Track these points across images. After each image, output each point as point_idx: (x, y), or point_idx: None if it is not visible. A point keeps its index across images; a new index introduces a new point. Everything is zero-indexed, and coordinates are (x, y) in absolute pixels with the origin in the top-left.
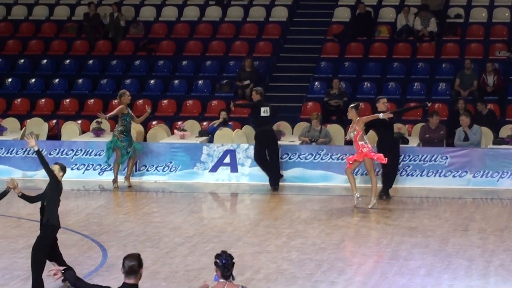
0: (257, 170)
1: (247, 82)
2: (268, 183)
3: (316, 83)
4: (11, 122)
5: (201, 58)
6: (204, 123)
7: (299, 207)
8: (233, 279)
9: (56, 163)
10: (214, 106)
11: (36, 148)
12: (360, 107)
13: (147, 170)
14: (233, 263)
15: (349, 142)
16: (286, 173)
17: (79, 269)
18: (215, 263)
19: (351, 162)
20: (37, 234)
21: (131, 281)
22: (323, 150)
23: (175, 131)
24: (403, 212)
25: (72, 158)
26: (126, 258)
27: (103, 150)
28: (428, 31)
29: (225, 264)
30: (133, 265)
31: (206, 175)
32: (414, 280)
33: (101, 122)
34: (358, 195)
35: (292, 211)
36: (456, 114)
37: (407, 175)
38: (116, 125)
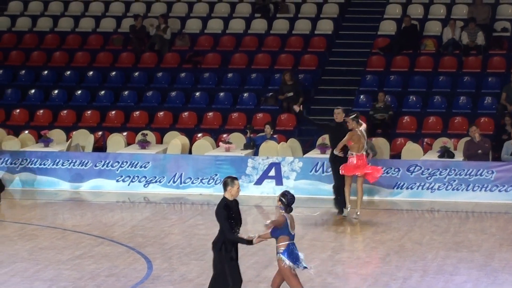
0: (303, 183)
1: (291, 94)
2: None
3: (362, 97)
4: (57, 134)
5: (247, 70)
6: (248, 135)
7: (344, 221)
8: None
9: None
10: (259, 119)
11: None
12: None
13: (192, 183)
14: (294, 201)
15: (395, 156)
16: (331, 187)
17: (124, 281)
18: (280, 200)
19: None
20: (83, 246)
21: None
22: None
23: (220, 143)
24: (448, 227)
25: (117, 170)
26: None
27: (148, 162)
28: (475, 45)
29: (289, 202)
30: None
31: (251, 188)
32: None
33: (147, 134)
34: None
35: (338, 225)
36: (502, 128)
37: (453, 189)
38: None
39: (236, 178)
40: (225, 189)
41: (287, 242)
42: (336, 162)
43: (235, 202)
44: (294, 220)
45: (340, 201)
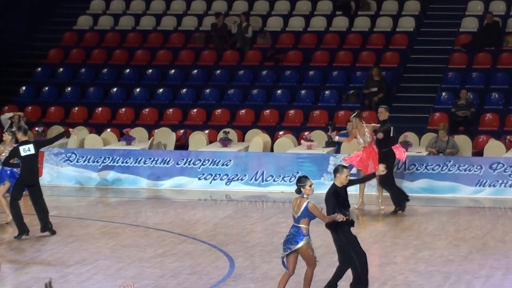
0: None
1: (375, 89)
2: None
3: (444, 94)
4: (139, 132)
5: (328, 68)
6: (329, 133)
7: (426, 218)
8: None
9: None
10: (341, 117)
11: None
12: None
13: (274, 180)
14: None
15: (477, 153)
16: (413, 184)
17: (206, 279)
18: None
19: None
20: (165, 243)
21: None
22: (450, 161)
23: (302, 141)
24: None
25: (199, 168)
26: None
27: (230, 160)
28: None
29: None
30: None
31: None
32: None
33: (228, 132)
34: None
35: (419, 223)
36: None
37: None
38: None
39: (346, 167)
40: (334, 175)
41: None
42: (386, 160)
43: (344, 189)
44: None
45: (397, 197)
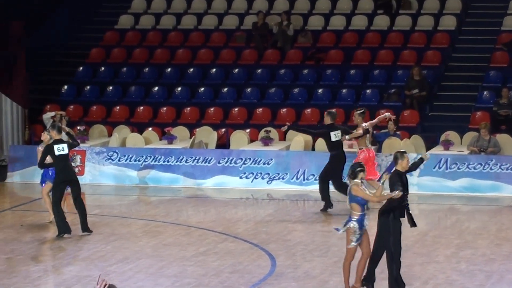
0: (426, 180)
1: (416, 91)
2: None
3: (485, 93)
4: (180, 131)
5: (369, 67)
6: (373, 132)
7: (468, 217)
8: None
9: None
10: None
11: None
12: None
13: (315, 179)
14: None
15: None
16: (455, 183)
17: (248, 277)
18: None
19: None
20: (207, 242)
21: None
22: (492, 160)
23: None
24: None
25: (240, 167)
26: None
27: (271, 159)
28: None
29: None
30: None
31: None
32: None
33: (270, 131)
34: None
35: (461, 221)
36: None
37: None
38: None
39: (405, 152)
40: (396, 163)
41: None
42: (337, 160)
43: (405, 174)
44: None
45: (324, 195)
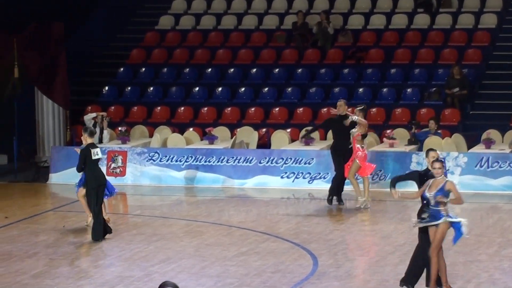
0: (468, 179)
1: (457, 89)
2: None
3: None
4: (221, 131)
5: (410, 66)
6: (413, 131)
7: (510, 216)
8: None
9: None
10: (423, 114)
11: None
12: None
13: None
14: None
15: None
16: (497, 182)
17: (290, 277)
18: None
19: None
20: (249, 242)
21: None
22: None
23: (384, 139)
24: None
25: (281, 167)
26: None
27: (312, 159)
28: None
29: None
30: None
31: (414, 184)
32: None
33: (307, 130)
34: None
35: (504, 220)
36: None
37: None
38: None
39: (432, 149)
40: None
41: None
42: (339, 153)
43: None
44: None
45: (335, 190)
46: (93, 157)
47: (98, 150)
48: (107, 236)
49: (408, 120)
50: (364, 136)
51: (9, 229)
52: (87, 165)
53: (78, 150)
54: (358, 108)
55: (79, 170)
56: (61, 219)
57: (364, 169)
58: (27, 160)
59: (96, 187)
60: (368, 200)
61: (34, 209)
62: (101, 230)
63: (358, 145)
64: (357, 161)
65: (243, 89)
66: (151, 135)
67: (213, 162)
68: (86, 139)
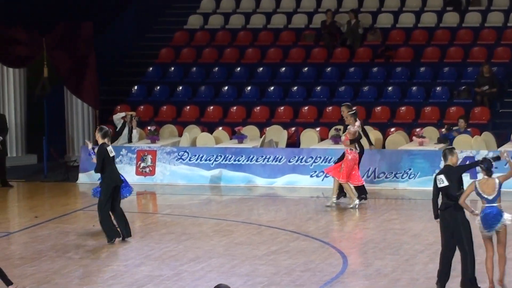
0: None
1: (486, 87)
2: None
3: None
4: (251, 130)
5: (439, 64)
6: (443, 130)
7: None
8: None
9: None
10: (452, 113)
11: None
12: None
13: (386, 177)
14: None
15: None
16: None
17: (320, 276)
18: (480, 167)
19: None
20: (278, 241)
21: None
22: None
23: (414, 138)
24: None
25: (311, 166)
26: None
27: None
28: None
29: (487, 167)
30: None
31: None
32: None
33: (340, 129)
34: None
35: None
36: None
37: None
38: None
39: (453, 148)
40: (445, 160)
41: (482, 205)
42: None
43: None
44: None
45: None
46: (110, 155)
47: (111, 148)
48: (133, 236)
49: (437, 119)
50: (353, 140)
51: (39, 229)
52: (105, 164)
53: (89, 144)
54: (350, 113)
55: (98, 171)
56: (90, 219)
57: (345, 175)
58: (57, 159)
59: (112, 187)
60: (333, 200)
61: (64, 209)
62: (112, 229)
63: (347, 148)
64: (343, 165)
65: (272, 88)
66: (180, 134)
67: (242, 161)
68: (99, 139)
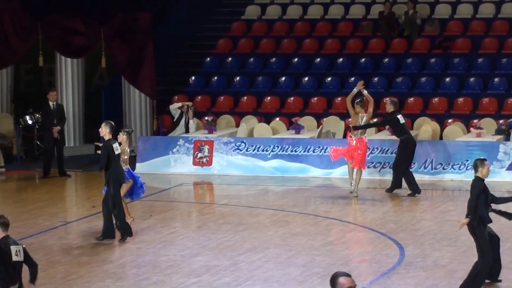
0: None
1: None
2: None
3: None
4: (308, 121)
5: (497, 55)
6: (501, 121)
7: None
8: None
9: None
10: (511, 104)
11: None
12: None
13: (443, 169)
14: None
15: None
16: None
17: (376, 267)
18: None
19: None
20: (335, 232)
21: None
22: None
23: (471, 129)
24: None
25: (368, 157)
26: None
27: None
28: None
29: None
30: None
31: (502, 174)
32: None
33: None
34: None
35: None
36: None
37: None
38: None
39: (485, 159)
40: (476, 170)
41: None
42: (408, 144)
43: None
44: None
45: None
46: (116, 152)
47: (117, 145)
48: (128, 239)
49: (495, 110)
50: (356, 127)
51: (96, 218)
52: (110, 161)
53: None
54: (356, 102)
55: (101, 168)
56: (147, 208)
57: (358, 160)
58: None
59: (119, 183)
60: (355, 191)
61: None
62: (127, 228)
63: (351, 135)
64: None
65: (329, 78)
66: (237, 125)
67: (300, 152)
68: (106, 135)
